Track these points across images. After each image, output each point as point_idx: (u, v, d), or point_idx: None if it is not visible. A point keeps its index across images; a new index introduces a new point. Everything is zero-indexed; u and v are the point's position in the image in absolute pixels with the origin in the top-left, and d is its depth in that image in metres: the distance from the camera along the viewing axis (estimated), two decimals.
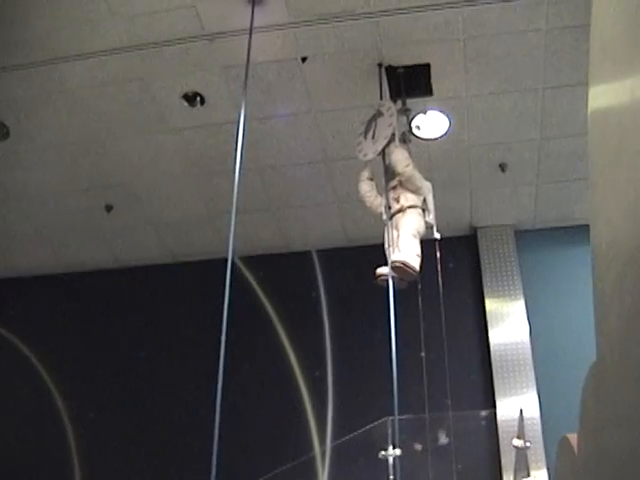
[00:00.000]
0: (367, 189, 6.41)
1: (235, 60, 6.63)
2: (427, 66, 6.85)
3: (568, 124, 7.47)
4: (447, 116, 7.39)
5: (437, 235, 6.13)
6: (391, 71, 6.82)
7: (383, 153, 6.35)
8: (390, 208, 6.10)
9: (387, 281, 5.77)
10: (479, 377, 8.26)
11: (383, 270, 5.79)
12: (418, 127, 7.25)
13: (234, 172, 5.41)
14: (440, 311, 7.04)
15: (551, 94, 7.19)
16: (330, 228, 9.02)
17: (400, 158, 6.15)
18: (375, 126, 6.47)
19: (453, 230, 8.64)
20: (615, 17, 1.80)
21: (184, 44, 6.70)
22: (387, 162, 6.30)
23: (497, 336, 8.35)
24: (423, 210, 6.09)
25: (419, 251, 5.81)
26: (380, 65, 6.81)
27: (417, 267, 5.74)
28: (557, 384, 7.55)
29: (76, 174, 8.23)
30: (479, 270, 8.81)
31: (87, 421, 8.87)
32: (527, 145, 7.84)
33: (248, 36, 6.06)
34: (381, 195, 6.31)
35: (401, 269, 5.69)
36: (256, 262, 9.27)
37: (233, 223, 5.28)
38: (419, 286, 6.63)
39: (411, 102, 6.93)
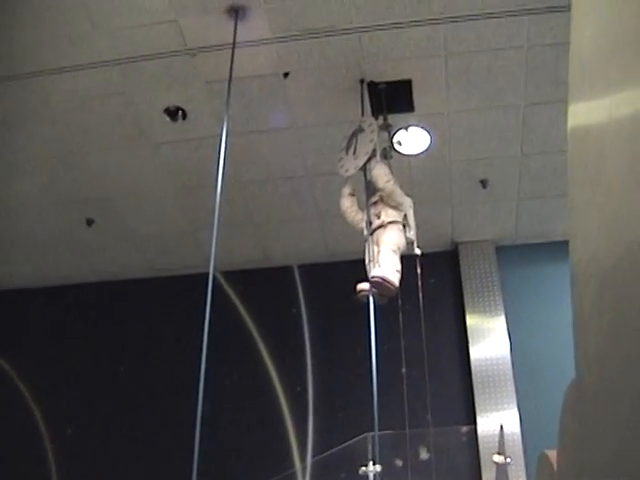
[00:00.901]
0: (348, 205, 6.42)
1: (217, 75, 6.63)
2: (409, 82, 6.87)
3: (549, 141, 7.50)
4: (428, 132, 7.40)
5: (418, 251, 6.13)
6: (373, 87, 6.84)
7: (364, 169, 6.35)
8: (371, 224, 6.10)
9: (367, 297, 5.76)
10: (460, 393, 8.27)
11: (363, 286, 5.79)
12: (399, 143, 7.26)
13: (216, 187, 5.41)
14: (421, 326, 7.05)
15: (532, 111, 7.22)
16: (311, 243, 9.02)
17: (381, 174, 6.16)
18: (356, 142, 6.48)
19: (434, 245, 8.65)
20: (593, 38, 1.81)
21: (166, 59, 6.69)
22: (368, 178, 6.30)
23: (478, 352, 8.36)
24: (404, 226, 6.10)
25: (399, 267, 5.81)
26: (362, 81, 6.82)
27: (397, 283, 5.73)
28: (538, 400, 7.55)
29: (57, 188, 8.20)
30: (460, 286, 8.83)
31: (65, 436, 8.82)
32: (508, 161, 7.86)
33: (230, 51, 6.07)
34: (362, 211, 6.31)
35: (381, 284, 5.68)
36: (237, 277, 9.26)
37: (215, 237, 5.28)
38: (400, 301, 6.63)
39: (392, 118, 6.94)
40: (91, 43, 6.54)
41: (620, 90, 1.56)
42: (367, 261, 5.97)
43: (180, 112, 7.20)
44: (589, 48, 1.86)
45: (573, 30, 2.04)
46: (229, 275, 9.19)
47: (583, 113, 1.93)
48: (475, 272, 8.85)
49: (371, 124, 6.50)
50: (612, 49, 1.62)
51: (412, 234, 6.09)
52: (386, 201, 6.16)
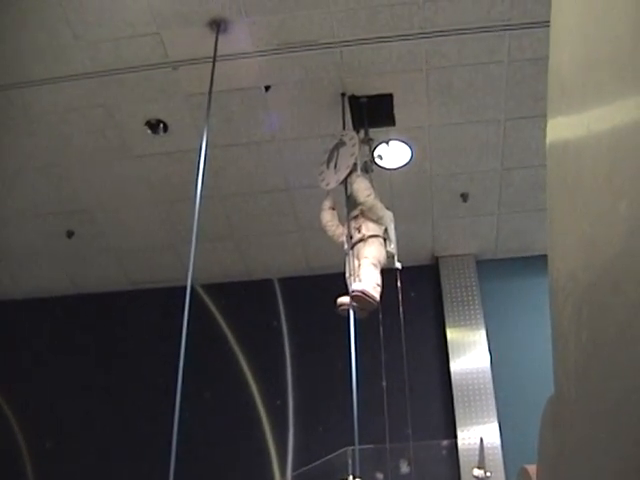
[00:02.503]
0: (329, 218, 6.42)
1: (198, 88, 6.64)
2: (390, 96, 6.90)
3: (529, 155, 7.54)
4: (409, 146, 7.43)
5: (398, 265, 6.14)
6: (354, 101, 6.86)
7: (345, 182, 6.36)
8: (351, 237, 6.11)
9: (348, 310, 5.76)
10: (440, 406, 8.27)
11: (343, 300, 5.79)
12: (380, 157, 7.27)
13: (195, 199, 5.40)
14: (401, 340, 7.05)
15: (512, 125, 7.26)
16: (292, 257, 9.02)
17: (362, 187, 6.16)
18: (337, 155, 6.49)
19: (415, 259, 8.65)
20: (571, 54, 1.82)
21: (148, 71, 6.69)
22: (349, 191, 6.31)
23: (458, 365, 8.36)
24: (384, 240, 6.10)
25: (379, 281, 5.81)
26: (343, 95, 6.85)
27: (377, 297, 5.73)
28: (518, 414, 7.56)
29: (38, 199, 8.17)
30: (440, 299, 8.84)
31: (44, 450, 8.76)
32: (488, 175, 7.89)
33: (212, 64, 6.08)
34: (343, 224, 6.31)
35: (361, 298, 5.67)
36: (217, 290, 9.25)
37: (193, 250, 5.27)
38: (380, 315, 6.63)
39: (373, 132, 6.96)
40: (72, 55, 6.54)
41: (598, 106, 1.56)
42: (347, 275, 5.97)
43: (161, 125, 7.20)
44: (568, 64, 1.87)
45: (552, 46, 2.05)
46: (209, 288, 9.18)
47: (562, 128, 1.94)
48: (455, 286, 8.86)
49: (352, 137, 6.51)
50: (590, 65, 1.63)
51: (393, 248, 6.10)
52: (367, 215, 6.16)
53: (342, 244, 6.20)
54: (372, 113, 6.88)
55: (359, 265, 5.89)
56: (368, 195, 6.14)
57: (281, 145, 7.49)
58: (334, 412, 7.78)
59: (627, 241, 1.29)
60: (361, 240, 6.05)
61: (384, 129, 7.17)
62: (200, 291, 9.03)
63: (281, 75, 6.73)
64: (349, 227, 6.17)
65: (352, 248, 6.06)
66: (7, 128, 7.29)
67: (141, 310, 9.32)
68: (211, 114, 6.04)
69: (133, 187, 8.02)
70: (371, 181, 6.43)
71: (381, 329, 6.85)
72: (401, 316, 6.99)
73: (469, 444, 7.87)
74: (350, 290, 5.75)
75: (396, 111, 7.03)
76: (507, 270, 9.01)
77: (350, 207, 6.28)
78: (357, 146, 6.42)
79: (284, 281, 9.30)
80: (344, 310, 5.79)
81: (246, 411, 8.56)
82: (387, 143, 7.29)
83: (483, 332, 8.51)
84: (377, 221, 6.15)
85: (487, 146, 7.52)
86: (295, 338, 8.94)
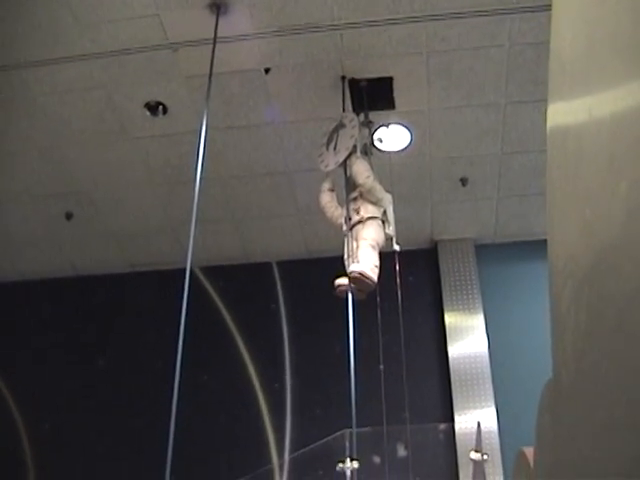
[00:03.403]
0: (328, 200, 6.43)
1: (198, 70, 6.62)
2: (390, 79, 6.88)
3: (529, 139, 7.52)
4: (409, 129, 7.41)
5: (397, 247, 6.15)
6: (354, 84, 6.84)
7: (344, 164, 6.36)
8: (350, 219, 6.11)
9: (346, 292, 5.77)
10: (437, 390, 8.28)
11: (341, 281, 5.80)
12: (380, 140, 7.25)
13: (195, 182, 5.40)
14: (399, 324, 7.06)
15: (513, 109, 7.25)
16: (291, 240, 9.02)
17: (361, 170, 6.17)
18: (337, 137, 6.49)
19: (413, 243, 8.67)
20: (573, 37, 1.82)
21: (147, 53, 6.67)
22: (348, 173, 6.31)
23: (456, 350, 8.38)
24: (383, 222, 6.11)
25: (377, 262, 5.82)
26: (343, 78, 6.83)
27: (375, 278, 5.74)
28: (515, 398, 7.57)
29: (36, 181, 8.16)
30: (439, 283, 8.84)
31: (43, 431, 8.78)
32: (488, 159, 7.88)
33: (212, 46, 6.06)
34: (342, 206, 6.32)
35: (359, 280, 5.69)
36: (216, 272, 9.25)
37: (192, 233, 5.27)
38: (378, 299, 6.64)
39: (373, 115, 6.95)
40: (72, 36, 6.51)
41: (599, 90, 1.56)
42: (346, 256, 5.97)
43: (161, 107, 7.18)
44: (569, 48, 1.86)
45: (553, 30, 2.04)
46: (208, 271, 9.18)
47: (562, 113, 1.94)
48: (454, 270, 8.87)
49: (352, 120, 6.51)
50: (592, 49, 1.63)
51: (391, 230, 6.11)
52: (366, 197, 6.16)
53: (341, 226, 6.21)
54: (372, 96, 6.86)
55: (357, 247, 5.89)
56: (367, 177, 6.14)
57: (280, 128, 7.48)
58: (332, 395, 7.79)
59: (627, 222, 1.30)
60: (360, 222, 6.05)
61: (384, 112, 7.15)
62: (199, 273, 9.03)
63: (281, 58, 6.71)
64: (348, 209, 6.17)
65: (351, 230, 6.06)
66: (5, 109, 7.27)
67: (139, 292, 9.32)
68: (210, 97, 6.02)
69: (132, 169, 8.01)
70: (370, 163, 6.43)
71: (379, 313, 6.86)
72: (399, 300, 7.01)
73: (466, 428, 7.89)
74: (348, 271, 5.76)
75: (396, 94, 7.02)
76: (506, 255, 9.01)
77: (349, 189, 6.28)
78: (357, 128, 6.42)
79: (283, 264, 9.30)
80: (342, 291, 5.80)
81: (244, 394, 8.57)
82: (387, 126, 7.28)
83: (481, 316, 8.52)
84: (376, 203, 6.15)
85: (487, 130, 7.51)
86: (293, 321, 8.95)
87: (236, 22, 6.32)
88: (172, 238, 8.80)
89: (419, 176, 8.10)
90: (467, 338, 8.43)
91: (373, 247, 5.88)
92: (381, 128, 7.28)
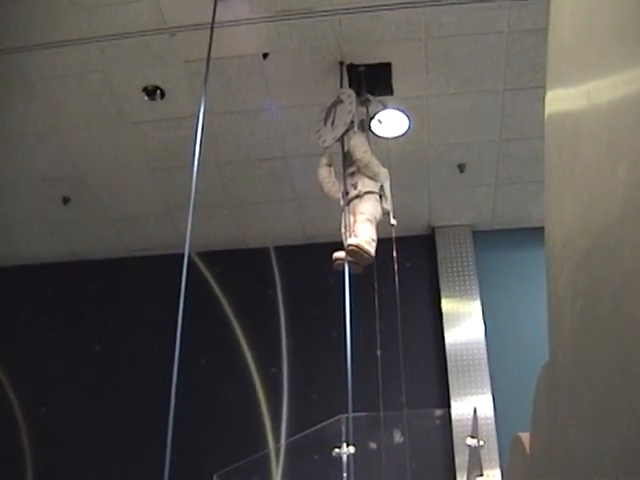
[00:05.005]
0: (325, 175, 6.45)
1: (196, 54, 6.60)
2: (388, 65, 6.87)
3: (527, 126, 7.52)
4: (407, 115, 7.40)
5: (393, 221, 6.21)
6: (352, 69, 6.83)
7: (342, 140, 6.38)
8: (348, 194, 6.14)
9: (343, 265, 5.80)
10: (434, 376, 8.31)
11: (339, 254, 5.84)
12: (380, 121, 7.23)
13: (192, 167, 5.39)
14: (396, 310, 7.07)
15: (511, 96, 7.24)
16: (288, 225, 9.02)
17: (358, 144, 6.21)
18: (335, 113, 6.51)
19: (411, 229, 8.67)
20: (572, 22, 1.82)
21: (145, 37, 6.65)
22: (346, 148, 6.33)
23: (453, 336, 8.40)
24: (380, 196, 6.14)
25: (375, 236, 5.86)
26: (341, 63, 6.82)
27: (372, 251, 5.79)
28: (511, 384, 7.59)
29: (33, 165, 8.14)
30: (436, 270, 8.86)
31: (39, 416, 8.79)
32: (486, 146, 7.88)
33: (210, 31, 6.05)
34: (339, 181, 6.34)
35: (356, 252, 5.73)
36: (213, 258, 9.25)
37: (190, 218, 5.26)
38: (375, 284, 6.66)
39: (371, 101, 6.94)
40: (70, 20, 6.49)
41: (599, 74, 1.56)
42: (343, 230, 6.00)
43: (158, 91, 7.17)
44: (568, 33, 1.86)
45: (552, 15, 2.04)
46: (205, 256, 9.17)
47: (560, 98, 1.94)
48: (451, 256, 8.88)
49: (350, 95, 6.52)
50: (591, 34, 1.63)
51: (388, 204, 6.15)
52: (363, 171, 6.19)
53: (338, 200, 6.24)
54: (370, 82, 6.85)
55: (355, 221, 5.94)
56: (365, 152, 6.18)
57: (278, 113, 7.47)
58: (328, 380, 7.79)
59: (625, 206, 1.30)
60: (357, 196, 6.09)
61: (382, 98, 7.14)
62: (196, 258, 9.03)
63: (279, 43, 6.70)
64: (345, 183, 6.21)
65: (348, 204, 6.10)
66: (3, 93, 7.25)
67: (137, 277, 9.33)
68: (208, 81, 6.01)
69: (129, 153, 8.00)
70: (368, 139, 6.45)
71: (376, 298, 6.87)
72: (396, 286, 7.01)
73: (462, 414, 7.91)
74: (345, 245, 5.80)
75: (394, 80, 7.01)
76: (503, 241, 9.02)
77: (347, 164, 6.31)
78: (354, 104, 6.43)
79: (280, 249, 9.30)
80: (339, 265, 5.85)
81: (241, 378, 8.59)
82: (385, 106, 7.22)
83: (478, 303, 8.53)
84: (373, 178, 6.18)
85: (485, 117, 7.50)
86: (290, 306, 8.96)
87: (234, 7, 6.30)
88: (169, 223, 8.80)
89: (417, 162, 8.10)
90: (464, 324, 8.44)
91: (370, 221, 5.91)
92: (382, 111, 7.24)
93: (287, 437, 8.28)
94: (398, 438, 7.79)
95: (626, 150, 1.31)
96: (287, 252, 9.28)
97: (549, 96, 2.05)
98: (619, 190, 1.32)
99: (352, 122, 6.40)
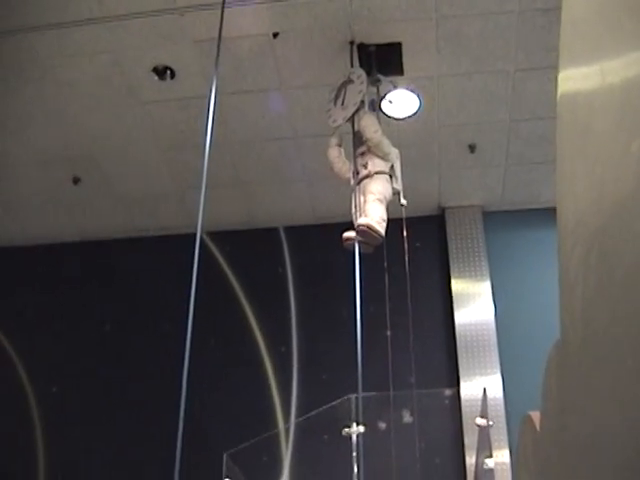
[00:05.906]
0: (335, 155, 6.44)
1: (206, 34, 6.59)
2: (398, 45, 6.85)
3: (538, 106, 7.50)
4: (417, 96, 7.38)
5: (404, 201, 6.19)
6: (362, 49, 6.81)
7: (352, 120, 6.37)
8: (358, 173, 6.14)
9: (353, 245, 5.81)
10: (444, 356, 8.32)
11: (349, 234, 5.84)
12: (390, 101, 7.21)
13: (203, 147, 5.37)
14: (406, 290, 7.07)
15: (522, 76, 7.21)
16: (298, 205, 9.01)
17: (369, 124, 6.19)
18: (345, 93, 6.49)
19: (421, 210, 8.66)
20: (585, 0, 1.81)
21: (155, 17, 6.64)
22: (356, 128, 6.32)
23: (462, 316, 8.40)
24: (391, 176, 6.13)
25: (385, 216, 5.86)
26: (352, 43, 6.79)
27: (382, 231, 5.78)
28: (521, 364, 7.59)
29: (43, 145, 8.15)
30: (446, 250, 8.85)
31: (50, 395, 8.83)
32: (497, 126, 7.86)
33: (220, 10, 6.03)
34: (349, 161, 6.33)
35: (366, 232, 5.73)
36: (223, 238, 9.25)
37: (202, 198, 5.25)
38: (385, 264, 6.65)
39: (382, 81, 6.92)
40: (80, 0, 6.48)
41: (612, 53, 1.56)
42: (353, 210, 6.00)
43: (168, 71, 7.16)
44: (582, 11, 1.85)
45: None
46: (215, 236, 9.18)
47: (574, 76, 1.93)
48: (461, 237, 8.87)
49: (360, 75, 6.49)
50: (604, 12, 1.62)
51: (399, 184, 6.14)
52: (373, 151, 6.18)
53: (348, 180, 6.23)
54: (380, 62, 6.83)
55: (365, 201, 5.92)
56: (375, 131, 6.16)
57: (288, 93, 7.45)
58: (338, 360, 7.80)
59: (639, 182, 1.30)
60: (367, 176, 6.08)
61: (392, 78, 7.12)
62: (206, 238, 9.03)
63: (289, 22, 6.68)
64: (355, 163, 6.20)
65: (358, 184, 6.09)
66: (13, 73, 7.26)
67: (147, 257, 9.34)
68: (219, 61, 5.99)
69: (139, 134, 8.00)
70: (378, 119, 6.44)
71: (386, 278, 6.86)
72: (406, 266, 7.01)
73: (472, 394, 7.93)
74: (355, 225, 5.80)
75: (405, 60, 6.98)
76: (513, 222, 9.00)
77: (357, 144, 6.30)
78: (365, 84, 6.41)
79: (290, 229, 9.31)
80: (349, 244, 5.85)
81: (250, 358, 8.61)
82: (395, 86, 7.20)
83: (488, 283, 8.54)
84: (383, 158, 6.17)
85: (496, 97, 7.48)
86: (300, 286, 8.97)
87: None
88: (179, 203, 8.81)
89: (427, 143, 8.08)
90: (473, 305, 8.45)
91: (380, 201, 5.90)
92: (393, 91, 7.22)
93: (297, 416, 8.31)
94: (407, 418, 7.81)
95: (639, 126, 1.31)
96: (297, 232, 9.28)
97: (562, 74, 2.04)
98: (632, 166, 1.32)
99: (362, 102, 6.38)
